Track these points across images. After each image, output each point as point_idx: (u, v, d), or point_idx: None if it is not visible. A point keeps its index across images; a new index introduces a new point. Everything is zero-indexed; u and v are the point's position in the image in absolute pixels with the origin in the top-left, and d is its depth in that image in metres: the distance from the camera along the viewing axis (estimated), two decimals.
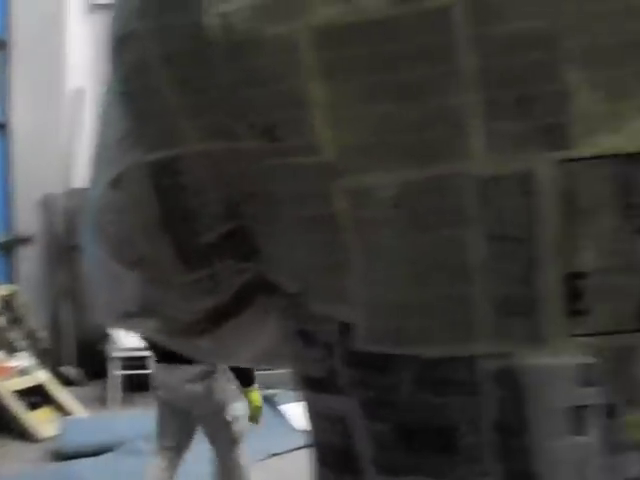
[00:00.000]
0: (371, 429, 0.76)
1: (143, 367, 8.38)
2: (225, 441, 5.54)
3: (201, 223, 0.82)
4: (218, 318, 0.94)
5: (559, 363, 0.70)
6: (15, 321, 10.03)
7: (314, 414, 0.85)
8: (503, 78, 0.67)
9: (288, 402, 7.80)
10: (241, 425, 5.55)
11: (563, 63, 0.67)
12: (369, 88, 0.69)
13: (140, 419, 7.42)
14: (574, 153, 0.67)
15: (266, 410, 6.10)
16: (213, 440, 5.61)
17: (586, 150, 0.67)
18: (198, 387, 5.28)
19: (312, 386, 0.83)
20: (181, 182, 0.80)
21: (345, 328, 0.75)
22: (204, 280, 0.87)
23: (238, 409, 5.47)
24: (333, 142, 0.70)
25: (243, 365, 1.82)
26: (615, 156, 0.67)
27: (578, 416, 0.71)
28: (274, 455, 7.55)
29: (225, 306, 0.92)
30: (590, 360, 0.70)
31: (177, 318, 0.94)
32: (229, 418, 5.45)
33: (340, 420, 0.79)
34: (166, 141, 0.79)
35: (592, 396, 0.71)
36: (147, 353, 6.72)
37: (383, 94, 0.69)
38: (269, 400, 8.20)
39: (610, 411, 0.71)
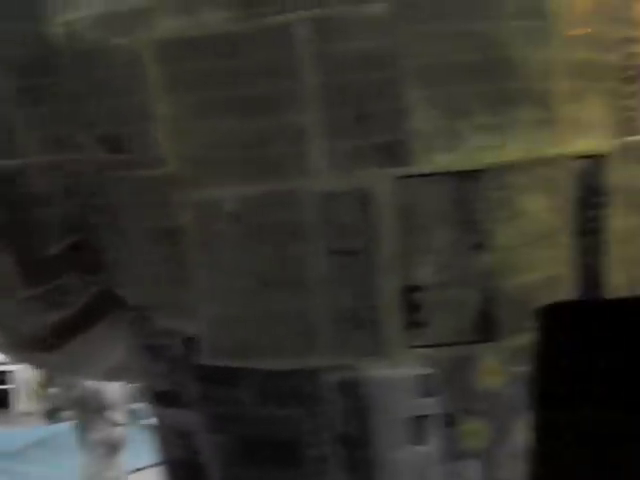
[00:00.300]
0: (217, 443, 0.76)
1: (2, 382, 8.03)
2: (104, 448, 5.37)
3: (46, 235, 0.80)
4: (65, 333, 0.91)
5: (399, 374, 0.72)
6: None
7: (162, 429, 0.84)
8: (344, 96, 0.68)
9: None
10: (122, 432, 5.39)
11: (402, 82, 0.69)
12: (210, 103, 0.69)
13: None
14: (412, 170, 0.69)
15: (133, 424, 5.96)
16: (91, 445, 5.42)
17: (424, 167, 0.69)
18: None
19: (159, 401, 0.82)
20: (25, 193, 0.78)
21: (190, 342, 0.75)
22: (49, 294, 0.85)
23: (120, 415, 5.31)
24: (176, 155, 0.70)
25: (94, 380, 1.78)
26: (452, 173, 0.69)
27: (418, 426, 0.72)
28: (138, 470, 7.34)
29: (72, 321, 0.90)
30: (428, 371, 0.72)
31: (21, 332, 0.91)
32: (110, 423, 5.28)
33: (187, 435, 0.78)
34: (6, 152, 0.77)
35: (431, 406, 0.72)
36: (7, 367, 6.46)
37: (224, 109, 0.69)
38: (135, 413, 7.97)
39: (449, 420, 0.73)
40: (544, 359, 0.74)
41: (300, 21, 0.67)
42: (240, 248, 0.70)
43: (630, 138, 0.76)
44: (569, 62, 0.73)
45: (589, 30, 0.75)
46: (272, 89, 0.68)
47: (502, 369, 0.73)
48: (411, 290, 0.70)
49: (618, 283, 0.76)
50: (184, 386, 0.77)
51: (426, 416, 0.73)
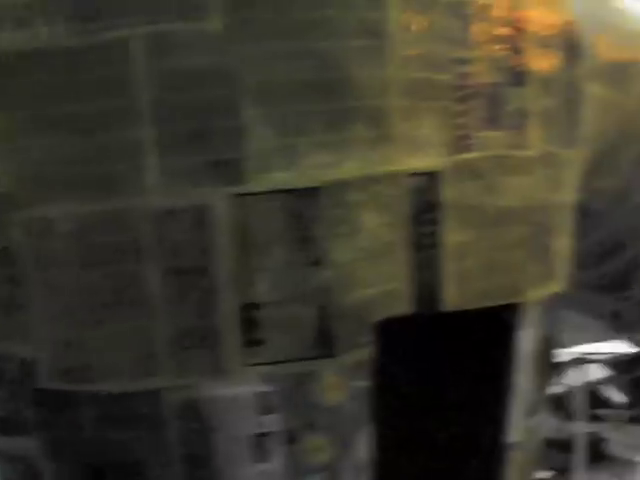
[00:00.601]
0: (56, 470, 0.74)
1: None
2: None
3: None
4: None
5: (240, 393, 0.72)
6: None
7: (1, 456, 0.81)
8: (179, 112, 0.68)
9: None
10: None
11: (240, 99, 0.69)
12: (45, 119, 0.67)
13: None
14: (248, 188, 0.69)
15: None
16: None
17: (260, 185, 0.69)
18: None
19: None
20: None
21: (28, 366, 0.72)
22: None
23: None
24: (9, 173, 0.68)
25: None
26: (289, 191, 0.70)
27: (261, 444, 0.73)
28: None
29: None
30: (269, 388, 0.72)
31: None
32: None
33: (25, 461, 0.76)
34: None
35: (273, 423, 0.73)
36: None
37: (59, 125, 0.67)
38: None
39: (291, 437, 0.73)
40: (381, 373, 0.75)
41: (135, 37, 0.67)
42: (77, 268, 0.68)
43: (462, 156, 0.79)
44: (404, 81, 0.75)
45: (423, 50, 0.77)
46: (107, 105, 0.67)
47: (342, 384, 0.74)
48: (249, 308, 0.70)
49: (453, 298, 0.79)
50: (22, 411, 0.75)
51: (268, 433, 0.73)
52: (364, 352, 0.75)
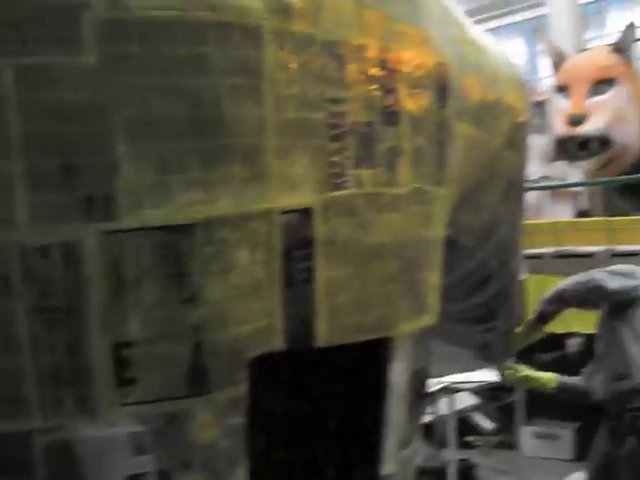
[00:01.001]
0: None
1: None
2: None
3: None
4: None
5: (113, 433, 0.70)
6: None
7: None
8: (48, 147, 0.66)
9: None
10: None
11: (113, 135, 0.68)
12: None
13: None
14: (120, 224, 0.68)
15: None
16: None
17: (132, 222, 0.68)
18: None
19: None
20: None
21: None
22: None
23: None
24: None
25: None
26: (162, 228, 0.69)
27: None
28: None
29: None
30: (142, 428, 0.70)
31: None
32: None
33: None
34: None
35: (147, 464, 0.71)
36: None
37: None
38: None
39: (165, 477, 0.72)
40: (255, 409, 0.75)
41: (6, 67, 0.65)
42: None
43: (336, 193, 0.80)
44: (280, 120, 0.76)
45: (299, 89, 0.78)
46: None
47: (217, 422, 0.74)
48: (121, 347, 0.69)
49: (325, 333, 0.79)
50: None
51: (142, 474, 0.71)
52: (239, 389, 0.74)
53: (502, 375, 2.38)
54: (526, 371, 2.33)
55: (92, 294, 0.68)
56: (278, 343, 0.76)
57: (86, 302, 0.68)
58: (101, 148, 0.68)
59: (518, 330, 1.88)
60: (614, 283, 2.07)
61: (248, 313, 0.74)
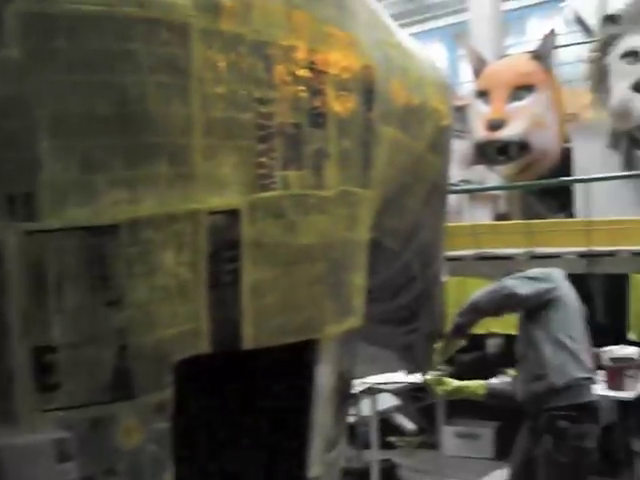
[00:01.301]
0: None
1: None
2: None
3: None
4: None
5: (36, 440, 0.68)
6: None
7: None
8: None
9: None
10: None
11: (35, 130, 0.66)
12: None
13: None
14: (42, 224, 0.66)
15: None
16: None
17: (54, 222, 0.67)
18: None
19: None
20: None
21: None
22: None
23: None
24: None
25: None
26: (85, 228, 0.68)
27: None
28: None
29: None
30: (66, 434, 0.69)
31: None
32: None
33: None
34: None
35: (71, 471, 0.70)
36: None
37: None
38: None
39: None
40: (180, 413, 0.74)
41: None
42: None
43: (263, 194, 0.80)
44: (207, 119, 0.75)
45: (227, 89, 0.77)
46: None
47: (142, 427, 0.72)
48: (43, 351, 0.67)
49: (251, 335, 0.79)
50: None
51: None
52: (164, 393, 0.73)
53: (432, 390, 2.40)
54: (455, 383, 2.36)
55: (12, 297, 0.66)
56: (204, 346, 0.75)
57: (6, 305, 0.66)
58: (23, 144, 0.66)
59: (437, 345, 1.91)
60: (526, 289, 2.10)
61: (173, 315, 0.73)
